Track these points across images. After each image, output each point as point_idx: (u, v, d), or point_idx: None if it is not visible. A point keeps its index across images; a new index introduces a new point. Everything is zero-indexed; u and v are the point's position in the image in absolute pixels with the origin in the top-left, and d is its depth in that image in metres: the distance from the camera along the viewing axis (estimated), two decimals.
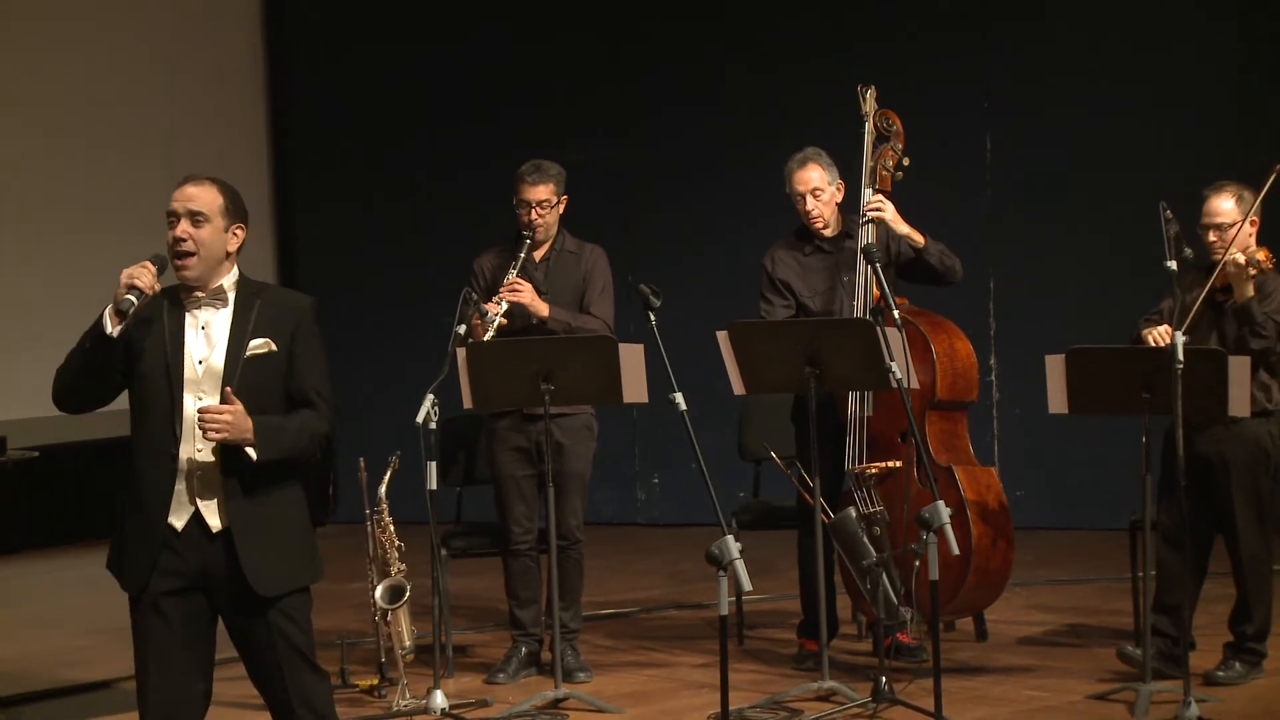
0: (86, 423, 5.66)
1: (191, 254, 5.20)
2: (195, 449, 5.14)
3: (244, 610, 5.20)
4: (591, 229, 8.38)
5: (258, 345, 5.22)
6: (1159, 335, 7.31)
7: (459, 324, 7.53)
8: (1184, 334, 7.03)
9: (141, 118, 12.13)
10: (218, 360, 5.19)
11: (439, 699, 7.35)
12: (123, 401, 5.24)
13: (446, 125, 12.30)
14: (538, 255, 7.97)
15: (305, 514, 5.35)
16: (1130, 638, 7.83)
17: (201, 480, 5.16)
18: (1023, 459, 11.05)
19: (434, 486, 7.32)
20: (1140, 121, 10.97)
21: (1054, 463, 11.07)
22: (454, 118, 12.28)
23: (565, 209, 8.01)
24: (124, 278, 5.12)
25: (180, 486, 5.15)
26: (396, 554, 7.75)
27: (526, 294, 7.79)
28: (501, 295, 7.75)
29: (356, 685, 7.80)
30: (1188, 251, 7.18)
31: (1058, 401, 7.39)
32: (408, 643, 7.65)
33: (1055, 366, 7.38)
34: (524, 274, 7.84)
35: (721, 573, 5.51)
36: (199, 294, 5.23)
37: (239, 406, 5.10)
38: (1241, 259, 7.29)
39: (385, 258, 12.38)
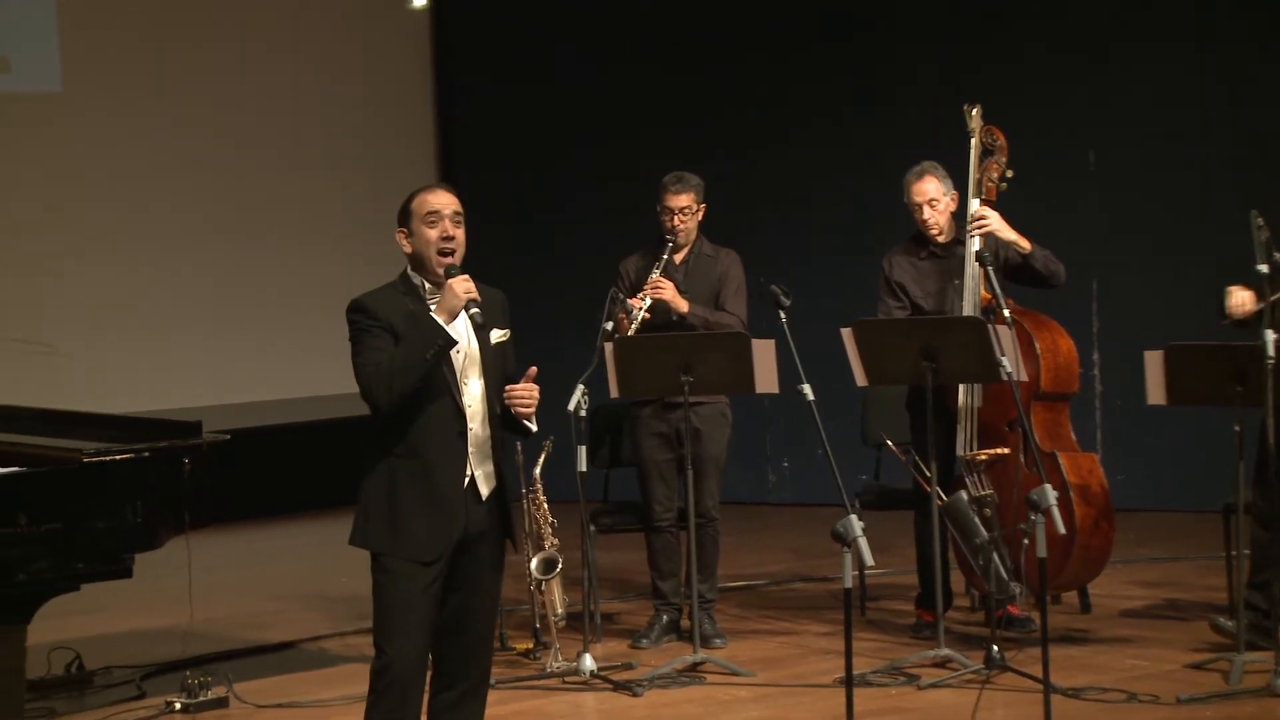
0: (272, 410, 5.72)
1: (454, 250, 5.31)
2: (470, 427, 5.26)
3: (493, 564, 5.36)
4: (728, 234, 8.39)
5: (500, 335, 5.38)
6: (1241, 299, 7.23)
7: (607, 320, 7.56)
8: (1275, 332, 6.93)
9: (324, 136, 12.26)
10: (474, 348, 5.31)
11: (588, 662, 7.37)
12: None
13: (597, 139, 12.32)
14: (678, 258, 7.99)
15: None
16: (1224, 611, 7.73)
17: (479, 453, 5.28)
18: (1123, 446, 10.92)
19: (584, 468, 7.34)
20: (1235, 134, 10.80)
21: (1152, 450, 10.93)
22: (604, 133, 12.30)
23: (704, 216, 8.04)
24: (462, 293, 5.20)
25: (467, 459, 5.26)
26: (550, 529, 7.78)
27: (668, 292, 7.81)
28: (646, 293, 7.78)
29: (514, 648, 7.85)
30: (1278, 255, 7.08)
31: (1156, 393, 7.31)
32: (560, 610, 7.68)
33: (1154, 361, 7.30)
34: (666, 274, 7.86)
35: (845, 549, 5.49)
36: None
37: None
38: None
39: (540, 260, 12.39)
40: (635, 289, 7.89)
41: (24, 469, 6.38)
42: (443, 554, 5.24)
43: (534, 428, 5.35)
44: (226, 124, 11.88)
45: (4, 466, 6.40)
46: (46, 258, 11.21)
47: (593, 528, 8.14)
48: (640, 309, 7.73)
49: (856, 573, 8.23)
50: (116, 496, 6.39)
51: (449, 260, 5.30)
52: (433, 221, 5.31)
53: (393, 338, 5.23)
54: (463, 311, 5.24)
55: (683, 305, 7.86)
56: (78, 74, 11.35)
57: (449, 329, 5.20)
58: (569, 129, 12.42)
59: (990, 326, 7.18)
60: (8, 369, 10.77)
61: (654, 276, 7.83)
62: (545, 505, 7.79)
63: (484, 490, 5.30)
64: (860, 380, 7.62)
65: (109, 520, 6.38)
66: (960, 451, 7.74)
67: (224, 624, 8.54)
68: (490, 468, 5.32)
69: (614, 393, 7.67)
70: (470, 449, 5.27)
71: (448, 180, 12.65)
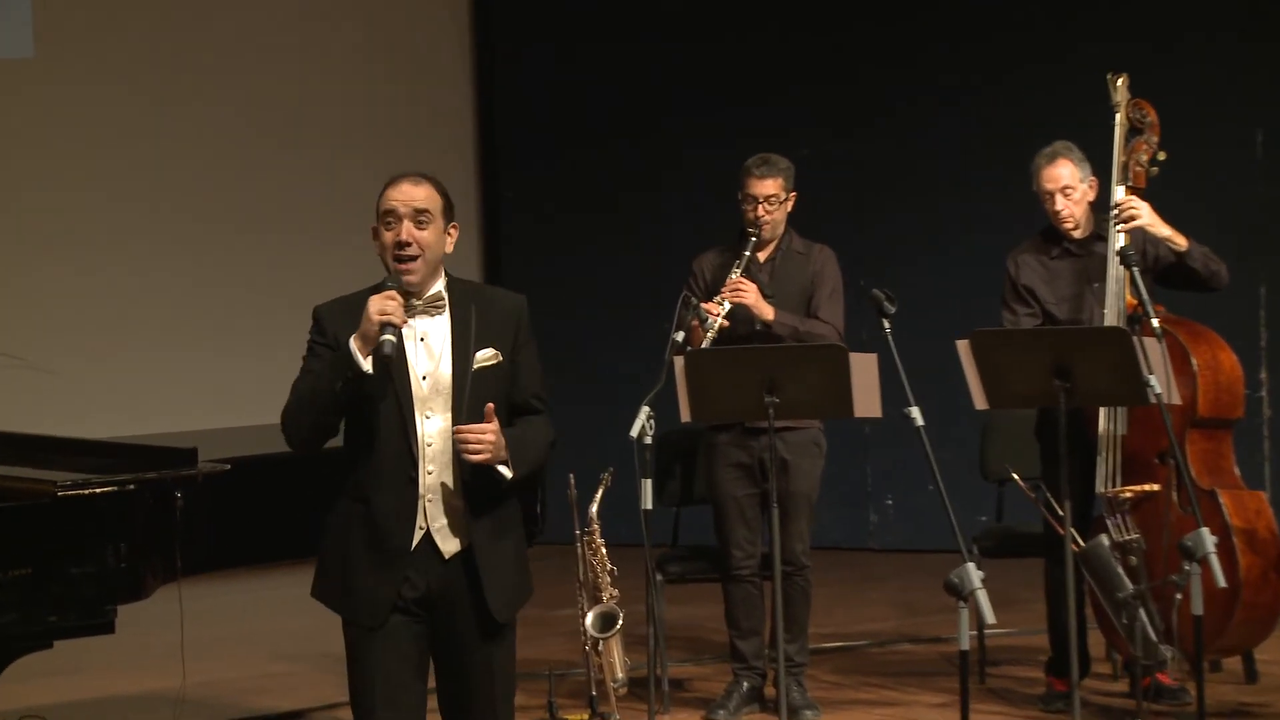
0: (281, 435, 5.69)
1: (416, 258, 5.22)
2: (428, 470, 5.20)
3: (470, 637, 5.26)
4: (822, 228, 8.35)
5: (486, 357, 5.26)
6: None
7: (677, 330, 7.53)
8: None
9: (345, 116, 12.34)
10: (444, 374, 5.24)
11: None
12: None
13: (663, 121, 12.34)
14: (763, 255, 7.97)
15: (523, 530, 5.43)
16: None
17: (438, 502, 5.22)
18: None
19: (649, 506, 7.29)
20: None
21: None
22: (671, 113, 12.31)
23: (794, 206, 8.00)
24: (374, 314, 5.09)
25: (419, 509, 5.20)
26: (608, 578, 7.76)
27: (751, 295, 7.78)
28: (724, 296, 7.76)
29: (565, 719, 7.84)
30: None
31: None
32: (620, 675, 7.65)
33: None
34: (748, 274, 7.83)
35: (961, 603, 5.46)
36: (415, 301, 5.23)
37: (497, 424, 5.15)
38: None
39: (596, 260, 12.45)
40: (711, 292, 7.87)
41: None
42: (384, 620, 5.19)
43: (507, 474, 5.20)
44: (232, 101, 11.94)
45: None
46: (17, 251, 11.27)
47: (659, 576, 8.13)
48: (717, 316, 7.70)
49: (975, 632, 8.16)
50: (96, 537, 6.36)
51: (405, 268, 5.21)
52: (389, 223, 5.24)
53: None
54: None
55: (768, 312, 7.83)
56: (54, 40, 11.42)
57: (363, 358, 5.08)
58: (632, 106, 12.43)
59: (1136, 338, 7.12)
60: None
61: (733, 277, 7.80)
62: (603, 549, 7.79)
63: (446, 547, 5.22)
64: (979, 403, 7.56)
65: (87, 565, 6.35)
66: (1100, 488, 7.68)
67: (223, 688, 8.56)
68: (456, 520, 5.22)
69: (685, 416, 7.63)
70: (424, 497, 5.21)
71: (488, 169, 12.69)
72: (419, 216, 5.22)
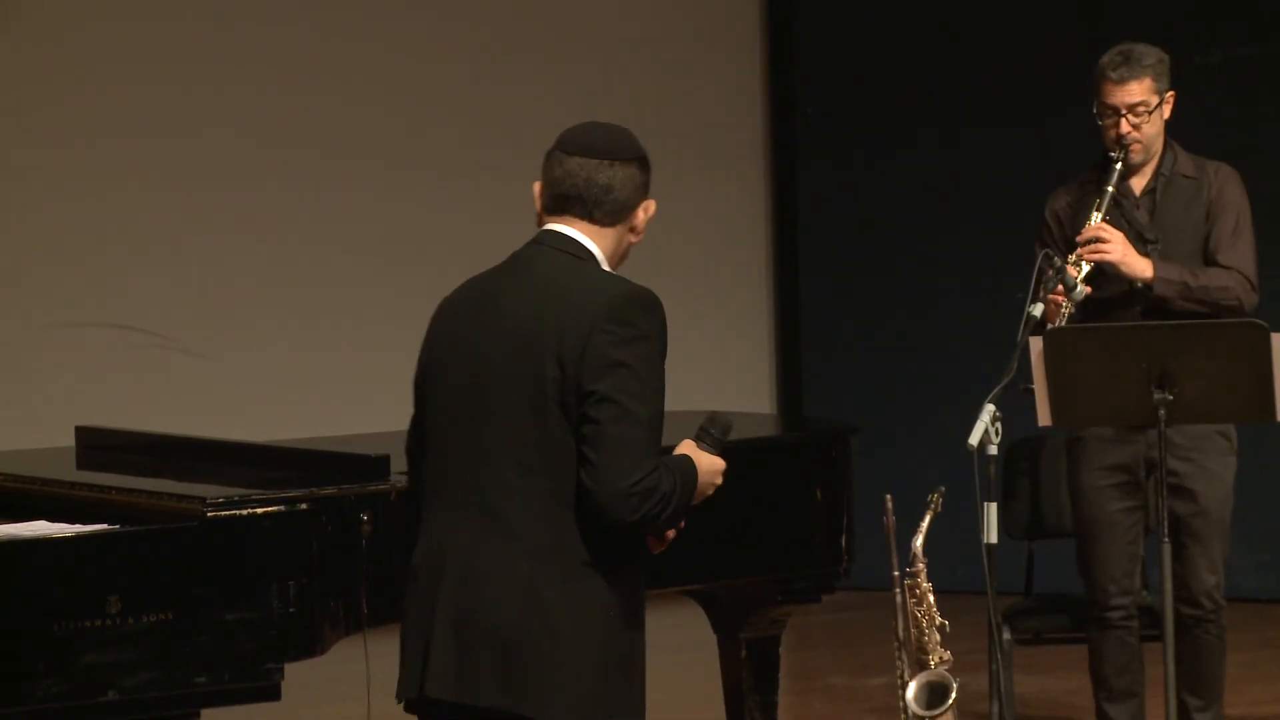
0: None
1: None
2: None
3: None
4: (1226, 144, 8.22)
5: None
6: None
7: (1033, 301, 7.38)
8: None
9: (591, 41, 12.60)
10: None
11: None
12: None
13: (993, 42, 12.41)
14: (1139, 185, 7.88)
15: None
16: None
17: None
18: None
19: (993, 539, 7.17)
20: None
21: None
22: (1000, 35, 12.37)
23: (1173, 113, 7.87)
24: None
25: None
26: (937, 636, 7.69)
27: (1116, 249, 7.67)
28: (1080, 254, 7.66)
29: None
30: None
31: None
32: None
33: None
34: (1114, 217, 7.73)
35: None
36: None
37: None
38: None
39: (917, 218, 12.52)
40: (1070, 244, 7.78)
41: (114, 527, 6.45)
42: None
43: None
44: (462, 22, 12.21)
45: (94, 523, 6.47)
46: (167, 214, 11.49)
47: (1007, 634, 8.12)
48: (1075, 280, 7.54)
49: None
50: (257, 572, 6.47)
51: None
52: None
53: None
54: None
55: (1143, 266, 7.71)
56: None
57: None
58: (954, 32, 12.51)
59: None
60: (109, 368, 11.14)
61: (1092, 223, 7.71)
62: (930, 597, 7.72)
63: None
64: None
65: (245, 609, 6.46)
66: None
67: None
68: None
69: (1043, 419, 7.56)
70: None
71: (783, 119, 12.71)
72: None
